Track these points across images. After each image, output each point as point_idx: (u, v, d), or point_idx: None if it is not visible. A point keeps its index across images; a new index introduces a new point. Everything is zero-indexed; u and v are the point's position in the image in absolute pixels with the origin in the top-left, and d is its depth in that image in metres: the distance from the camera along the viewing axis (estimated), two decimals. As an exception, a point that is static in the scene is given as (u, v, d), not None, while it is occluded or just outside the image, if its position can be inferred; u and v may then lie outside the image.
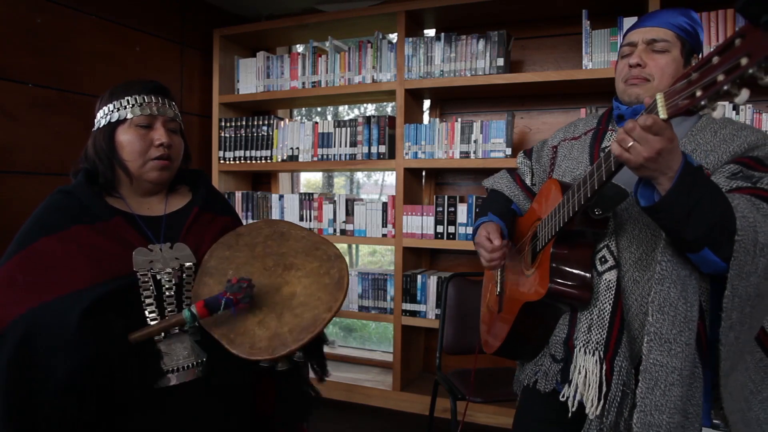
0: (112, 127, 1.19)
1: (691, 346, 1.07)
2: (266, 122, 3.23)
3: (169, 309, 1.13)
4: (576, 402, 1.16)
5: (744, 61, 0.76)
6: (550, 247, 1.21)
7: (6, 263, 1.08)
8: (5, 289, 1.04)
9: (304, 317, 1.04)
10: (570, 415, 1.17)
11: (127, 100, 1.19)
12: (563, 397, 1.18)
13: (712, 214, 0.98)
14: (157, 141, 1.19)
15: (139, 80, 1.24)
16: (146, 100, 1.19)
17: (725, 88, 0.79)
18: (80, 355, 0.96)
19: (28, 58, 2.47)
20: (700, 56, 1.29)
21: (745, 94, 0.78)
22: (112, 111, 1.19)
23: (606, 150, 1.05)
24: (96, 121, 1.23)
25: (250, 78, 3.29)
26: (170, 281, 1.14)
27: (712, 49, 0.83)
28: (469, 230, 2.78)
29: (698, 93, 0.83)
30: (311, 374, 1.22)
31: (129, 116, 1.18)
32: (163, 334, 1.12)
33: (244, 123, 3.27)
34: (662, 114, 0.90)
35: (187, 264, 1.18)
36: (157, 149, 1.19)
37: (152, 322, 1.10)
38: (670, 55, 1.22)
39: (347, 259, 5.86)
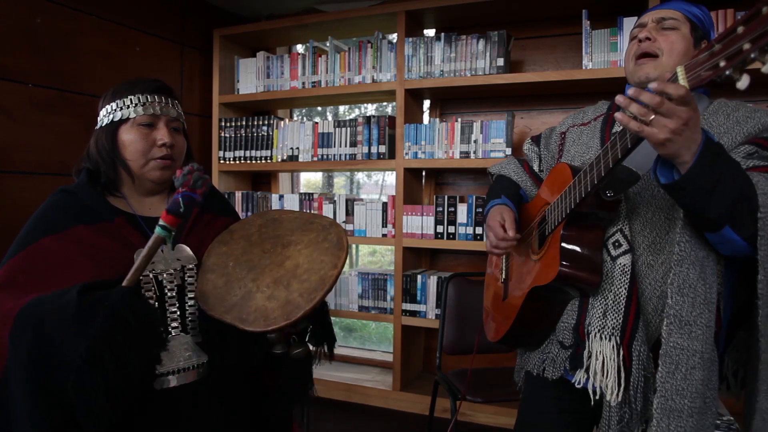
0: (114, 126, 1.19)
1: (711, 328, 1.06)
2: (266, 122, 3.22)
3: (171, 310, 1.13)
4: (598, 390, 1.14)
5: None
6: (560, 229, 1.20)
7: (8, 263, 1.07)
8: (7, 288, 1.03)
9: (312, 280, 1.05)
10: (592, 403, 1.15)
11: (131, 99, 1.18)
12: (579, 384, 1.16)
13: (734, 190, 0.97)
14: (159, 141, 1.19)
15: (143, 79, 1.23)
16: (149, 100, 1.18)
17: (752, 56, 0.78)
18: (90, 327, 0.93)
19: (28, 58, 2.47)
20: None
21: None
22: (115, 110, 1.18)
23: (619, 131, 1.04)
24: (98, 119, 1.22)
25: (250, 78, 3.29)
26: (172, 282, 1.14)
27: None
28: (469, 230, 2.78)
29: (722, 63, 0.82)
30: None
31: (132, 115, 1.17)
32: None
33: (244, 123, 3.27)
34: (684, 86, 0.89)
35: (189, 265, 1.18)
36: (160, 149, 1.19)
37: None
38: (679, 33, 1.23)
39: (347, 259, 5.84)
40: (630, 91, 0.94)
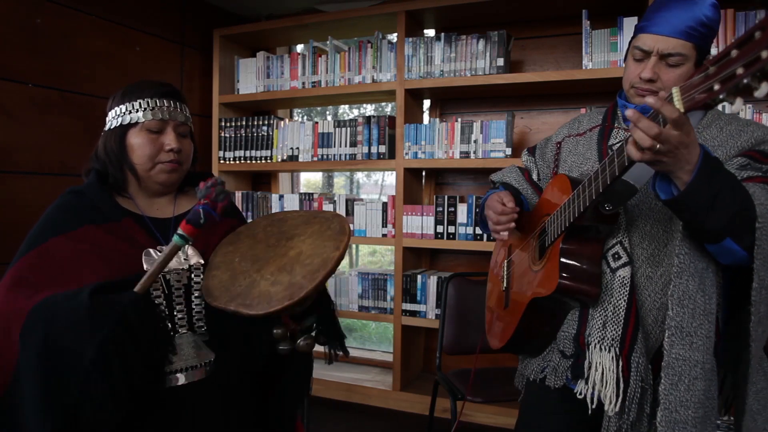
0: (123, 129, 1.19)
1: (711, 339, 1.07)
2: (266, 122, 3.23)
3: (178, 308, 1.14)
4: (595, 399, 1.16)
5: (764, 54, 0.75)
6: (559, 242, 1.21)
7: (17, 263, 1.08)
8: (17, 288, 1.04)
9: (314, 263, 1.06)
10: (589, 411, 1.17)
11: (140, 103, 1.18)
12: (580, 394, 1.18)
13: (733, 203, 0.99)
14: (167, 146, 1.19)
15: (152, 82, 1.23)
16: (158, 104, 1.19)
17: (744, 81, 0.78)
18: (100, 331, 0.94)
19: (28, 58, 2.47)
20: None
21: (765, 87, 0.77)
22: (124, 113, 1.19)
23: (615, 146, 1.04)
24: (107, 120, 1.23)
25: (250, 78, 3.29)
26: (179, 281, 1.15)
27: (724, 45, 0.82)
28: (470, 230, 2.78)
29: (716, 87, 0.82)
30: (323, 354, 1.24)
31: (140, 120, 1.18)
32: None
33: (244, 123, 3.27)
34: (678, 108, 0.90)
35: (196, 265, 1.18)
36: (167, 154, 1.20)
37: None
38: (684, 68, 1.18)
39: (347, 259, 5.86)
40: (629, 113, 0.94)
